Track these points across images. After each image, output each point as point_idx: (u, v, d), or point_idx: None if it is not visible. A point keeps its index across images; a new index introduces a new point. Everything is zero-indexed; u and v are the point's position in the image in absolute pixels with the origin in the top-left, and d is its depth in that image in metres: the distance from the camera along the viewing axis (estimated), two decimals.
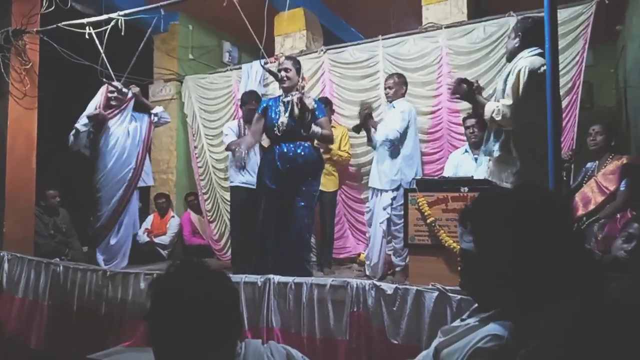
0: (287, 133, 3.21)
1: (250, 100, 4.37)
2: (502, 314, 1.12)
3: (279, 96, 3.42)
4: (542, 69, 2.39)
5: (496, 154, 2.62)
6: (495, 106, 2.55)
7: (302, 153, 3.24)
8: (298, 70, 3.37)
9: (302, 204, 3.29)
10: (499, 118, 2.51)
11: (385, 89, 4.07)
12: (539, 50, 2.49)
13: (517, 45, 2.60)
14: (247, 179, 4.31)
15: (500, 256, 1.00)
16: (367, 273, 4.06)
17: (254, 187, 4.04)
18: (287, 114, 3.24)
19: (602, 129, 3.36)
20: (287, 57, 3.46)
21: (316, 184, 3.38)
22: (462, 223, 1.14)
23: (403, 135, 3.84)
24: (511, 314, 1.07)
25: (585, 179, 3.39)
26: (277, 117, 3.28)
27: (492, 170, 2.68)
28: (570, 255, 0.96)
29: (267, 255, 3.31)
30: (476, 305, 1.29)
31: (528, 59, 2.50)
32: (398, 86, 3.98)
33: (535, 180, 2.44)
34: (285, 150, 3.22)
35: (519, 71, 2.47)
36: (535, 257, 0.96)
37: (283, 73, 3.29)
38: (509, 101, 2.50)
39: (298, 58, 3.67)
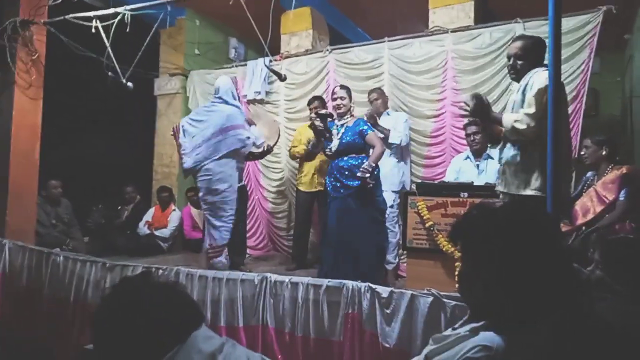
0: (339, 153, 3.66)
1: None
2: (493, 325, 1.13)
3: (333, 121, 3.82)
4: (561, 82, 2.42)
5: (516, 161, 2.59)
6: (516, 116, 2.53)
7: (355, 163, 3.58)
8: (350, 97, 3.82)
9: (367, 217, 3.58)
10: (522, 127, 2.49)
11: (372, 101, 4.26)
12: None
13: (526, 66, 2.62)
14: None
15: (487, 273, 1.02)
16: None
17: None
18: (338, 137, 3.67)
19: (591, 142, 3.36)
20: (341, 87, 3.89)
21: (376, 192, 3.63)
22: (452, 241, 1.15)
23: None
24: (501, 326, 1.09)
25: (585, 188, 3.38)
26: (331, 140, 3.72)
27: (508, 178, 2.64)
28: (555, 274, 0.97)
29: (333, 258, 3.57)
30: (468, 314, 1.30)
31: (547, 72, 2.52)
32: (383, 96, 4.29)
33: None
34: (341, 163, 3.64)
35: (542, 82, 2.46)
36: (521, 275, 0.98)
37: (339, 101, 3.75)
38: (531, 110, 2.48)
39: (347, 86, 4.00)
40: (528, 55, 2.63)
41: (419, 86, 4.57)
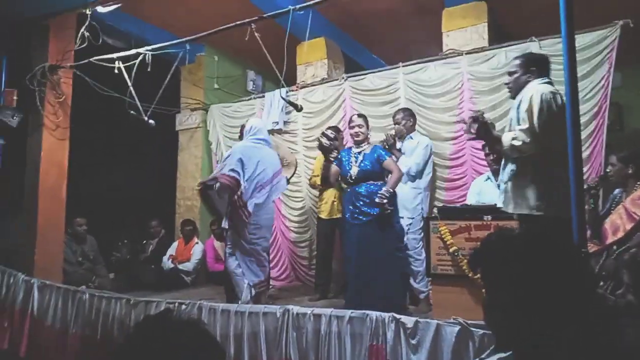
0: (358, 180, 3.71)
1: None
2: (519, 356, 1.10)
3: (351, 147, 3.92)
4: (551, 95, 2.47)
5: (512, 180, 2.57)
6: (513, 134, 2.54)
7: (374, 189, 3.62)
8: (367, 125, 3.90)
9: (388, 244, 3.60)
10: (519, 143, 2.49)
11: (395, 124, 4.16)
12: (548, 80, 2.58)
13: (529, 79, 2.62)
14: None
15: (507, 297, 1.01)
16: None
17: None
18: (357, 164, 3.74)
19: (617, 160, 3.27)
20: (359, 115, 4.01)
21: (394, 219, 3.69)
22: (472, 267, 1.14)
23: (425, 167, 4.02)
24: (526, 356, 1.06)
25: (613, 205, 3.27)
26: (350, 167, 3.77)
27: (508, 197, 2.61)
28: (575, 299, 0.95)
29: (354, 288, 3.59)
30: (494, 346, 1.27)
31: (539, 86, 2.54)
32: (407, 119, 4.12)
33: (554, 206, 2.39)
34: (359, 189, 3.68)
35: (531, 96, 2.49)
36: (540, 299, 0.97)
37: (357, 129, 3.82)
38: (525, 125, 2.49)
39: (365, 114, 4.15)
40: (520, 71, 2.65)
41: (436, 109, 4.55)
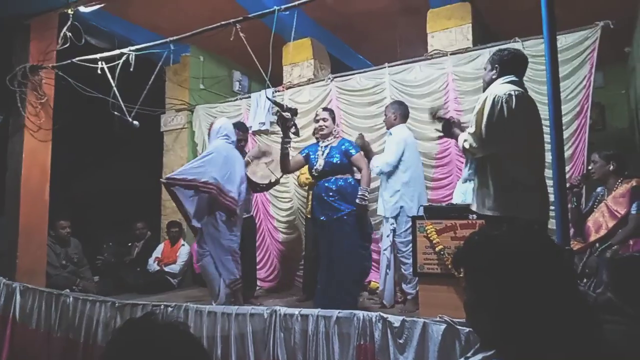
0: (325, 173, 3.68)
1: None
2: (502, 355, 1.10)
3: (318, 142, 3.88)
4: (505, 97, 2.38)
5: (473, 181, 2.60)
6: (465, 135, 2.55)
7: (343, 184, 3.64)
8: (333, 119, 3.91)
9: (357, 241, 3.65)
10: (467, 146, 2.51)
11: (384, 115, 4.14)
12: (512, 78, 2.50)
13: (494, 77, 2.57)
14: None
15: (489, 300, 1.00)
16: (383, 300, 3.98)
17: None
18: (324, 157, 3.71)
19: (599, 157, 3.33)
20: (324, 109, 4.00)
21: (365, 216, 3.73)
22: (456, 268, 1.13)
23: (399, 163, 3.80)
24: (509, 356, 1.06)
25: (596, 203, 3.33)
26: (316, 160, 3.76)
27: (474, 195, 2.62)
28: (560, 300, 0.95)
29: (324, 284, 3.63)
30: (479, 343, 1.27)
31: (497, 87, 2.47)
32: (390, 113, 4.00)
33: (511, 206, 2.39)
34: (327, 184, 3.66)
35: (485, 99, 2.44)
36: (524, 303, 0.96)
37: (321, 123, 3.82)
38: (472, 129, 2.48)
39: (330, 108, 4.20)
40: (487, 68, 2.64)
41: (422, 109, 4.57)
